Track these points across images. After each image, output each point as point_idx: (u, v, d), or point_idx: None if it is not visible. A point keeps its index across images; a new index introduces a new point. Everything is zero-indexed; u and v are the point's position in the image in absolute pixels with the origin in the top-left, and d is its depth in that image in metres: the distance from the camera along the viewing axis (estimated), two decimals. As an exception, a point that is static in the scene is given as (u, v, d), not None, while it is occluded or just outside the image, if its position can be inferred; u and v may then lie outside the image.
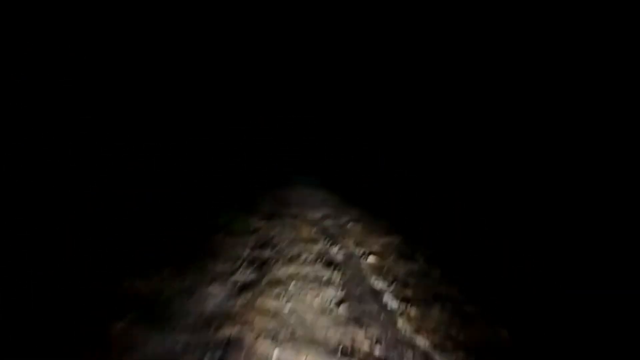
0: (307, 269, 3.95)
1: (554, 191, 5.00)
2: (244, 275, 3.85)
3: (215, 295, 3.32)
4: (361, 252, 4.64)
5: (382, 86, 9.44)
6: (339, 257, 4.44)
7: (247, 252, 4.65)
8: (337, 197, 8.56)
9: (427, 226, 5.94)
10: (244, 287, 3.49)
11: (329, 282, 3.59)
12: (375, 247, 4.83)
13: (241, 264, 4.15)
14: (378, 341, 2.61)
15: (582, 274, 3.65)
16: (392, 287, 3.49)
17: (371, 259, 4.34)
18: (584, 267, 3.74)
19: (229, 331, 2.65)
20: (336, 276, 3.76)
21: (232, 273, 3.87)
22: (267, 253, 4.59)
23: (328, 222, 6.22)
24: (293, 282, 3.55)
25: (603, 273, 3.57)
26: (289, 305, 3.09)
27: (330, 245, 4.92)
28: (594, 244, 4.08)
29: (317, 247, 4.80)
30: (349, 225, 6.06)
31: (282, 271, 3.90)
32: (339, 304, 3.14)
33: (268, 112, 13.47)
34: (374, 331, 2.72)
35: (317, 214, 6.81)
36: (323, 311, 3.00)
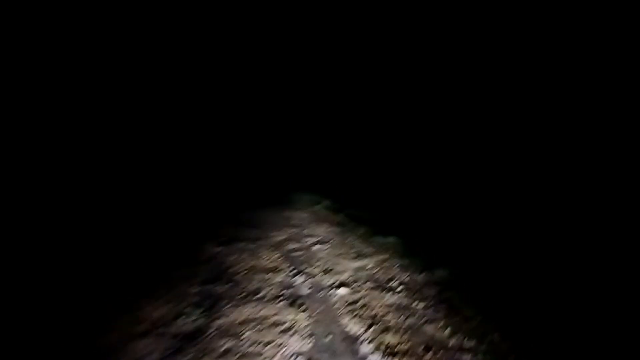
0: (266, 310, 3.28)
1: (544, 208, 4.57)
2: (188, 321, 3.14)
3: (147, 355, 2.60)
4: (330, 282, 4.01)
5: (356, 91, 9.02)
6: (305, 290, 3.79)
7: (195, 288, 3.93)
8: (303, 215, 7.90)
9: (402, 246, 5.38)
10: (185, 341, 2.78)
11: (292, 329, 2.92)
12: (346, 275, 4.21)
13: (186, 306, 3.43)
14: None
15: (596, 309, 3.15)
16: (370, 332, 2.86)
17: (342, 290, 3.71)
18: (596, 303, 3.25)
19: (154, 419, 1.95)
20: (301, 319, 3.10)
21: (174, 320, 3.16)
22: (219, 288, 3.89)
23: (292, 245, 5.55)
24: (248, 331, 2.87)
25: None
26: (240, 367, 2.42)
27: (295, 274, 4.26)
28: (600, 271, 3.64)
29: (279, 278, 4.14)
30: (316, 247, 5.41)
31: (235, 314, 3.21)
32: (305, 362, 2.49)
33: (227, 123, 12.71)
34: (352, 406, 2.09)
35: (281, 236, 6.13)
36: (284, 375, 2.34)
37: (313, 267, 4.54)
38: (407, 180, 8.18)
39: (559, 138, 5.15)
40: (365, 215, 7.21)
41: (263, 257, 5.00)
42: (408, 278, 4.05)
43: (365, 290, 3.71)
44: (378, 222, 6.60)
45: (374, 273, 4.27)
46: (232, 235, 6.12)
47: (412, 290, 3.68)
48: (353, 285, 3.84)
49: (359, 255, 4.95)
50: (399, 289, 3.72)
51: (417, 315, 3.12)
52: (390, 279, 4.02)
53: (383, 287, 3.80)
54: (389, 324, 2.96)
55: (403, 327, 2.92)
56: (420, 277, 4.05)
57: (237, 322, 3.06)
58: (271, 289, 3.79)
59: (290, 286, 3.90)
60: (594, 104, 4.47)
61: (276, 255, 5.04)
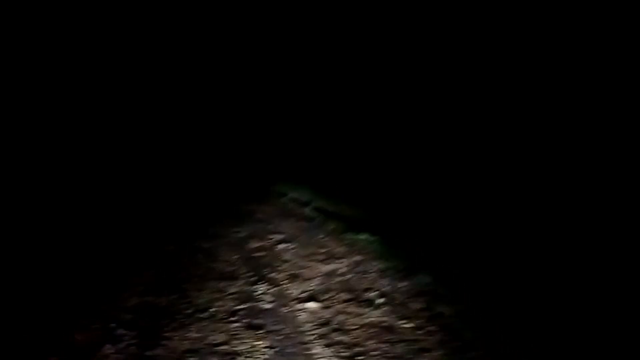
0: (216, 334, 2.61)
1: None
2: (113, 351, 2.44)
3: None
4: (297, 292, 3.37)
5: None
6: (267, 305, 3.13)
7: (134, 300, 3.23)
8: (268, 208, 7.21)
9: (377, 245, 4.79)
10: (104, 385, 2.09)
11: (248, 365, 2.27)
12: (316, 283, 3.57)
13: (117, 328, 2.72)
14: None
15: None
16: (348, 369, 2.24)
17: (311, 305, 3.08)
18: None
19: None
20: (260, 348, 2.44)
21: (95, 349, 2.45)
22: (163, 301, 3.20)
23: (254, 244, 4.88)
24: (188, 371, 2.20)
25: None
26: None
27: (255, 282, 3.60)
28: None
29: (235, 287, 3.47)
30: (280, 247, 4.76)
31: (176, 340, 2.53)
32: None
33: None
34: None
35: (242, 233, 5.43)
36: None
37: (277, 272, 3.89)
38: (380, 171, 7.62)
39: (547, 133, 4.76)
40: (334, 208, 6.59)
41: (220, 258, 4.32)
42: (389, 286, 3.45)
43: (340, 304, 3.08)
44: (349, 217, 6.01)
45: (348, 279, 3.66)
46: (190, 232, 5.39)
47: (395, 304, 3.08)
48: (324, 298, 3.21)
49: (330, 257, 4.33)
50: (379, 302, 3.11)
51: (406, 341, 2.51)
52: (368, 288, 3.41)
53: (360, 299, 3.19)
54: (373, 356, 2.34)
55: (390, 360, 2.31)
56: (403, 285, 3.47)
57: (177, 352, 2.38)
58: (225, 303, 3.12)
59: (248, 299, 3.24)
60: (591, 104, 4.19)
61: (235, 257, 4.37)
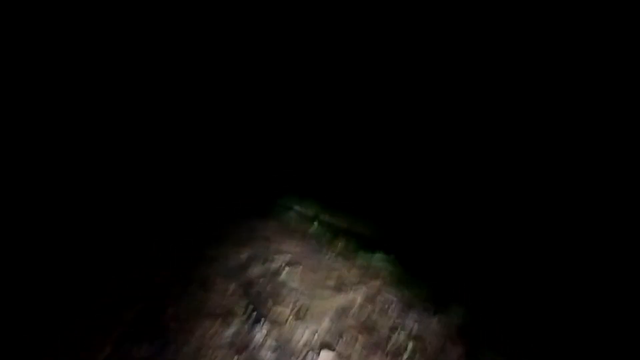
0: (202, 407, 2.01)
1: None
2: None
3: None
4: (306, 337, 2.76)
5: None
6: (268, 356, 2.53)
7: (106, 350, 2.64)
8: (271, 224, 6.61)
9: (395, 267, 4.19)
10: None
11: None
12: (328, 322, 2.96)
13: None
14: None
15: None
16: None
17: (325, 356, 2.47)
18: None
19: None
20: None
21: None
22: (143, 351, 2.61)
23: (255, 270, 4.27)
24: None
25: None
26: None
27: (254, 321, 2.99)
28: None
29: (231, 330, 2.87)
30: (285, 272, 4.16)
31: (149, 418, 1.93)
32: None
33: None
34: None
35: (242, 254, 4.81)
36: None
37: (281, 305, 3.28)
38: (393, 180, 7.03)
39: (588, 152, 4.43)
40: (342, 223, 5.99)
41: (216, 288, 3.72)
42: (416, 325, 2.84)
43: (360, 354, 2.47)
44: (360, 233, 5.41)
45: (367, 317, 3.05)
46: (184, 254, 4.78)
47: (430, 352, 2.47)
48: (340, 344, 2.60)
49: (342, 285, 3.73)
50: (409, 350, 2.50)
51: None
52: (393, 328, 2.79)
53: (386, 345, 2.57)
54: None
55: None
56: (434, 324, 2.85)
57: None
58: (216, 354, 2.52)
59: (245, 346, 2.64)
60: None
61: (232, 287, 3.76)
